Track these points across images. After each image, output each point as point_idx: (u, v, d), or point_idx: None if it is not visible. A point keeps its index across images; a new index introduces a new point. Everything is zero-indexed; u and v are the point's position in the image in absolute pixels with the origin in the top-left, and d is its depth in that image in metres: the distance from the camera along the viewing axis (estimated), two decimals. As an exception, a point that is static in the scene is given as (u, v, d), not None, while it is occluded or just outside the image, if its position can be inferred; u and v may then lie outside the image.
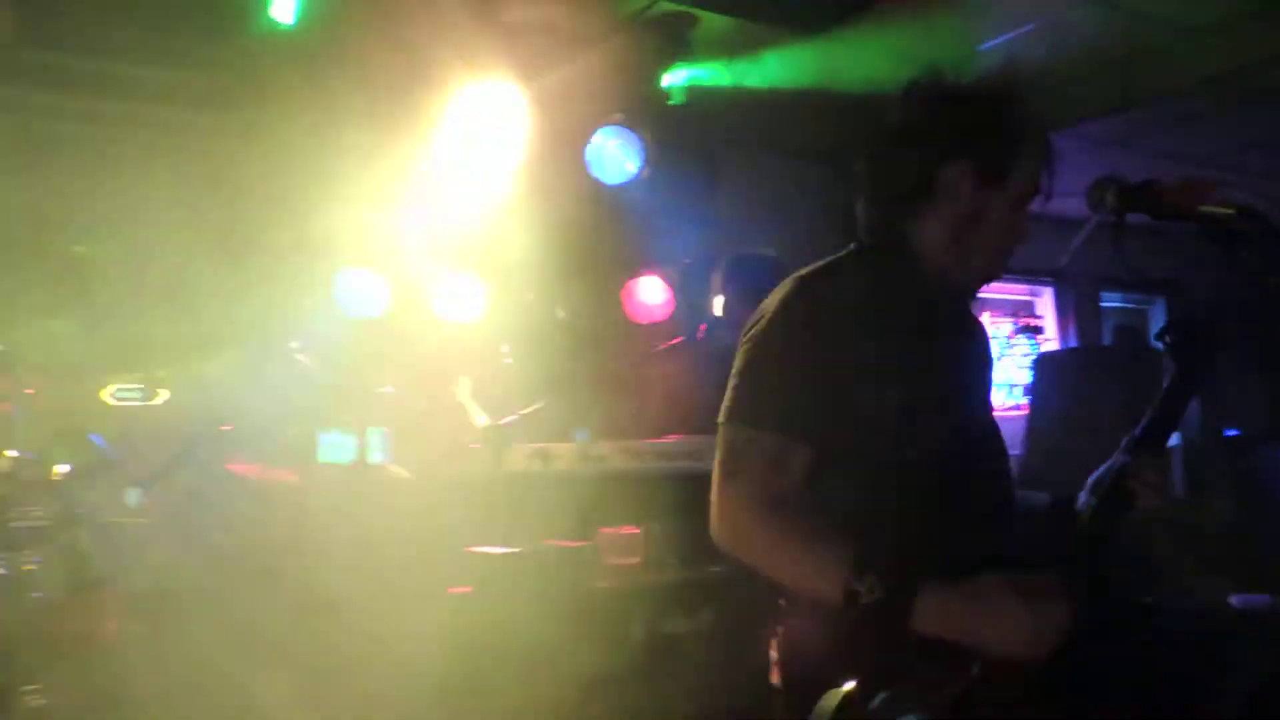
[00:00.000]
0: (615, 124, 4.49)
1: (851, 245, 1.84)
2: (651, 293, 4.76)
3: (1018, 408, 6.66)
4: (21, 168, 3.87)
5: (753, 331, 1.73)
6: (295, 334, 4.42)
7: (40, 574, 2.66)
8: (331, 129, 4.21)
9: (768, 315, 1.72)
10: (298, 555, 3.33)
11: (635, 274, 4.78)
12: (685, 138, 4.80)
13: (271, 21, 4.19)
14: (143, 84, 4.03)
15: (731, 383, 1.72)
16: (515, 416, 3.57)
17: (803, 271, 1.78)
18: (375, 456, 4.88)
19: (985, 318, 7.19)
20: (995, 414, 1.90)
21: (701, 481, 1.71)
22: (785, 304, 1.72)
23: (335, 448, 4.87)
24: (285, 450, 4.07)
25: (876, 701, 1.50)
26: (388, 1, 3.97)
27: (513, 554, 3.11)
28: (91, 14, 3.72)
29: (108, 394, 4.30)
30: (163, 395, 4.03)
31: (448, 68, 4.05)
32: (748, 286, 3.81)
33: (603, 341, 4.77)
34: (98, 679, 2.71)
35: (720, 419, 1.70)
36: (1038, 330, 7.66)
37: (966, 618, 1.53)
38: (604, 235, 4.79)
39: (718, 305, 4.16)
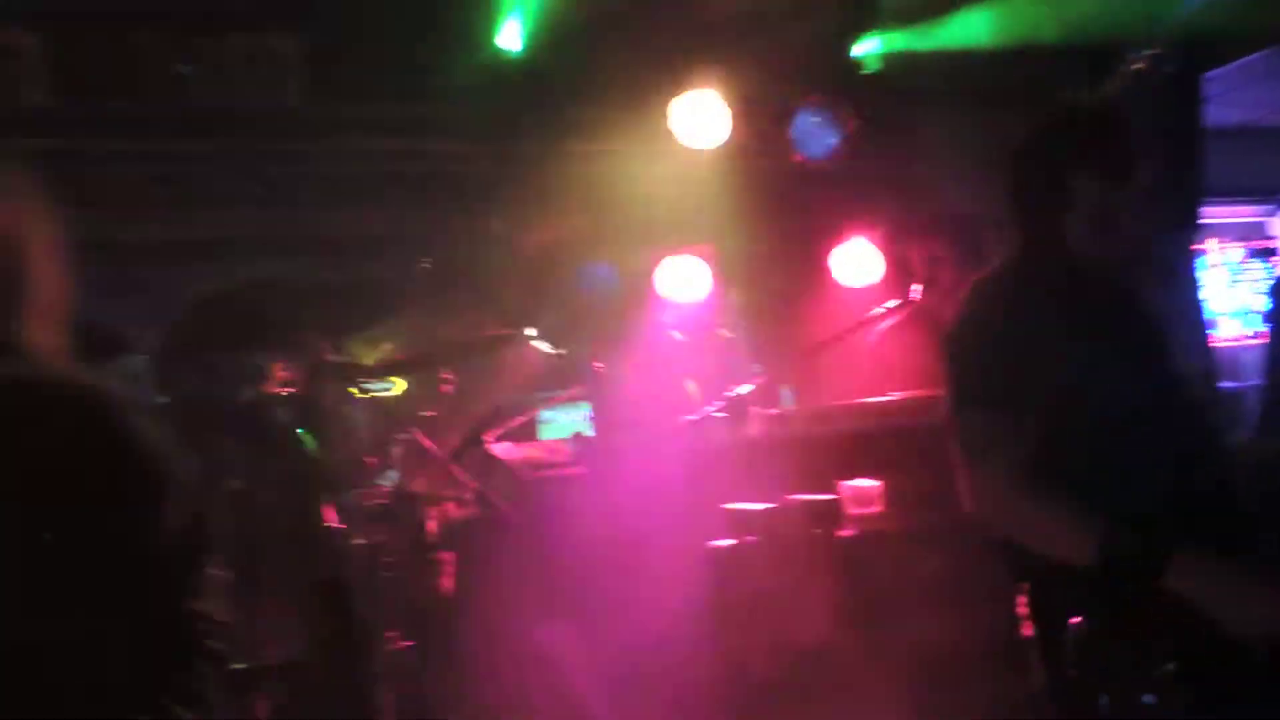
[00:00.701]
0: (814, 101, 4.78)
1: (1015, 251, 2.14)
2: (859, 259, 5.01)
3: (1256, 335, 6.47)
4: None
5: (957, 328, 2.05)
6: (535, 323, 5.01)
7: (390, 543, 3.31)
8: (564, 142, 4.74)
9: (966, 313, 2.04)
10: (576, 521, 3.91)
11: (843, 241, 5.05)
12: (882, 104, 5.02)
13: (500, 50, 4.73)
14: (405, 121, 4.67)
15: (951, 372, 2.03)
16: (752, 386, 3.96)
17: (982, 274, 2.10)
18: (588, 431, 5.48)
19: (1213, 244, 6.95)
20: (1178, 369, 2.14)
21: (920, 435, 2.02)
22: (978, 300, 2.04)
23: (555, 425, 5.50)
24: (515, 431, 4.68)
25: (1129, 648, 1.71)
26: (603, 21, 4.42)
27: (767, 509, 3.52)
28: (366, 64, 4.38)
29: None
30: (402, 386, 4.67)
31: (661, 75, 4.44)
32: (953, 247, 4.03)
33: (815, 309, 5.09)
34: (437, 629, 3.39)
35: (951, 407, 2.00)
36: (1271, 253, 7.31)
37: (1218, 580, 1.73)
38: (811, 206, 5.09)
39: (924, 267, 4.39)
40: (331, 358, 3.40)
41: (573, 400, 5.16)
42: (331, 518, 3.34)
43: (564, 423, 5.23)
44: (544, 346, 5.52)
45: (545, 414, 5.14)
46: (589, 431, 5.39)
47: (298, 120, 4.44)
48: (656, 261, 5.03)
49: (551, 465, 4.87)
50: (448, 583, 3.38)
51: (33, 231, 1.30)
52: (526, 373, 5.41)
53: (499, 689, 4.03)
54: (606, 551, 4.12)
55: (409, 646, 3.33)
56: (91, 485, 1.23)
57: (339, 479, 3.27)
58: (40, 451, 1.21)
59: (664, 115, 4.58)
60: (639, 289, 5.05)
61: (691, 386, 4.92)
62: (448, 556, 3.38)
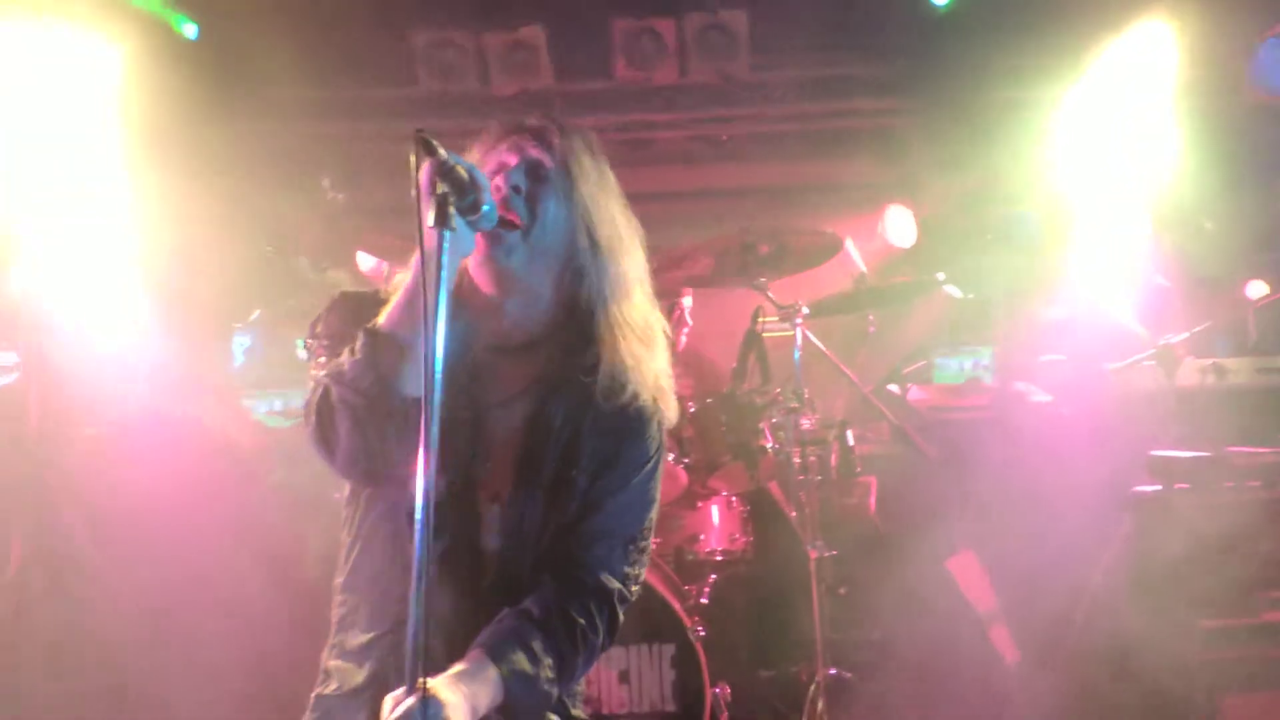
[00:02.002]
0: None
1: None
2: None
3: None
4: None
5: None
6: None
7: (819, 462, 3.77)
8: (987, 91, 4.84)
9: None
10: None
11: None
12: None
13: (928, 6, 4.90)
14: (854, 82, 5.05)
15: None
16: (1187, 334, 3.87)
17: None
18: (985, 376, 5.53)
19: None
20: None
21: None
22: None
23: (947, 371, 5.62)
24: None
25: None
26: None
27: (1198, 458, 3.48)
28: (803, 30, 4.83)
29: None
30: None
31: (1099, 14, 4.37)
32: None
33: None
34: (864, 537, 3.84)
35: None
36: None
37: None
38: (1267, 146, 4.73)
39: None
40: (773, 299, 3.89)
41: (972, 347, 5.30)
42: (768, 437, 3.88)
43: (955, 369, 5.39)
44: (954, 291, 5.70)
45: (940, 360, 5.33)
46: (987, 378, 5.50)
47: (748, 86, 4.98)
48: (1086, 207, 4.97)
49: (957, 408, 5.08)
50: (869, 504, 3.78)
51: None
52: (934, 318, 5.62)
53: (904, 606, 4.39)
54: (1022, 492, 4.29)
55: (831, 556, 3.78)
56: None
57: (776, 405, 3.77)
58: None
59: (1100, 57, 4.50)
60: (1059, 235, 5.04)
61: (1140, 330, 4.82)
62: (869, 481, 3.77)
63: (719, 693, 3.40)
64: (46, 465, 4.36)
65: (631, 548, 1.88)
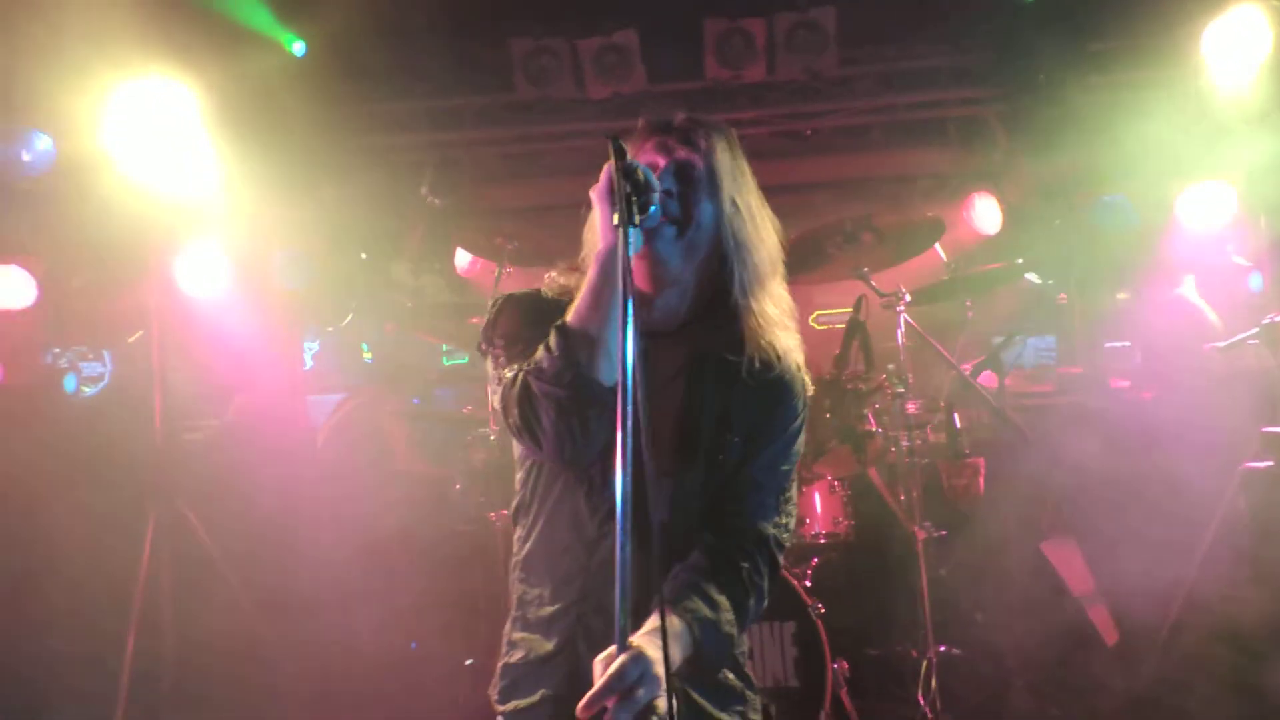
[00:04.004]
0: None
1: None
2: None
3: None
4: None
5: None
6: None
7: (925, 445, 3.87)
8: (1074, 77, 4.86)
9: None
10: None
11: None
12: None
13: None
14: (938, 73, 5.12)
15: None
16: (1293, 314, 3.87)
17: None
18: (1045, 359, 5.54)
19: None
20: None
21: None
22: None
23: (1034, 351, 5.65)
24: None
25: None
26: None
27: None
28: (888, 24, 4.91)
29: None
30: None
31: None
32: None
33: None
34: (968, 518, 3.91)
35: None
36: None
37: None
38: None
39: None
40: (875, 287, 3.98)
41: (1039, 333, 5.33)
42: (872, 422, 3.97)
43: (1017, 356, 5.43)
44: (1033, 278, 5.73)
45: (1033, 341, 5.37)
46: (1051, 363, 5.53)
47: (833, 81, 5.07)
48: (1178, 192, 4.98)
49: (1032, 394, 5.12)
50: (978, 484, 3.85)
51: None
52: (1012, 304, 5.66)
53: (1003, 586, 4.45)
54: (1116, 474, 4.32)
55: (940, 536, 3.85)
56: None
57: (881, 390, 3.85)
58: None
59: (1194, 40, 4.50)
60: (1158, 219, 5.04)
61: (1212, 316, 4.84)
62: (978, 461, 3.85)
63: (838, 669, 3.50)
64: (171, 465, 4.54)
65: (783, 498, 2.02)
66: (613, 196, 1.70)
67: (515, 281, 4.36)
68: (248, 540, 4.62)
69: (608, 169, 1.74)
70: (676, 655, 1.75)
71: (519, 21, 4.87)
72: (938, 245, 4.56)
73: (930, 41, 5.14)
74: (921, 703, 3.72)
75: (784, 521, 2.01)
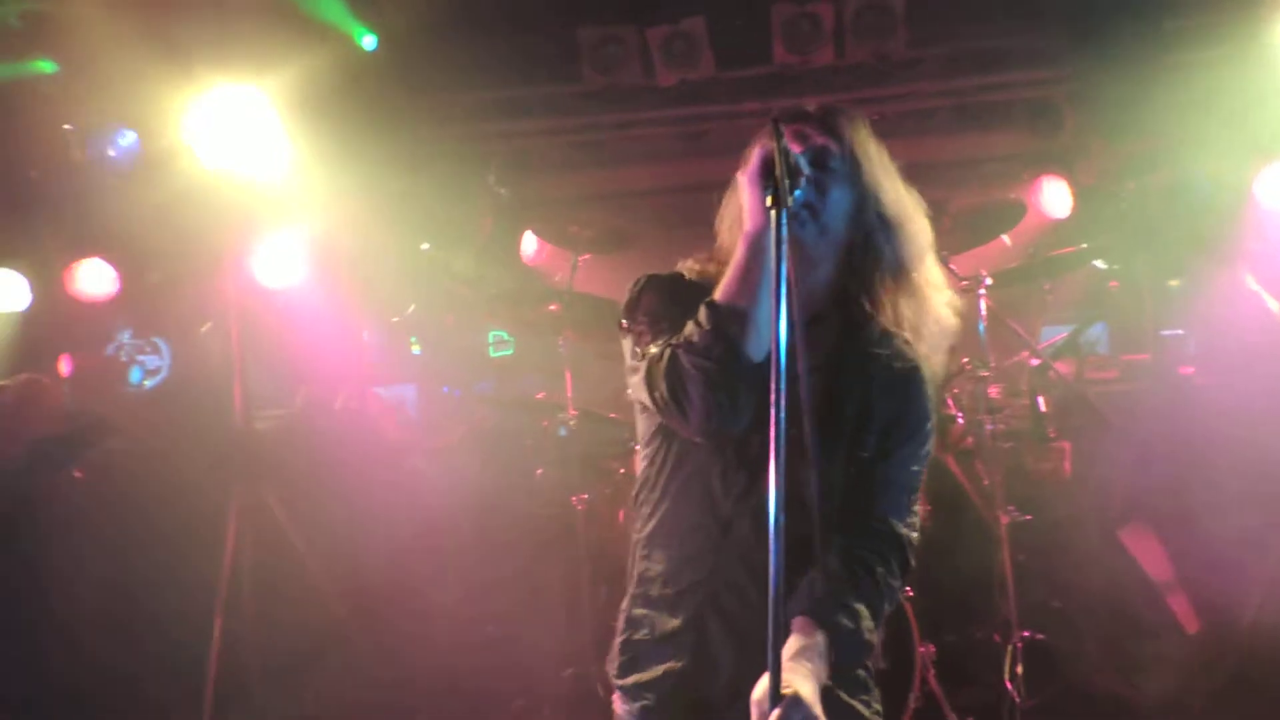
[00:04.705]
0: None
1: None
2: None
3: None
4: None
5: None
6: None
7: (1008, 429, 3.84)
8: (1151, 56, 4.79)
9: None
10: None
11: None
12: None
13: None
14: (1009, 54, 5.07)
15: None
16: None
17: None
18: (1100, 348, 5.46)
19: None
20: None
21: None
22: None
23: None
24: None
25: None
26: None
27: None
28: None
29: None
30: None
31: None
32: None
33: None
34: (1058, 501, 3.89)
35: None
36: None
37: None
38: None
39: None
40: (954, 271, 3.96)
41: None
42: (952, 406, 3.95)
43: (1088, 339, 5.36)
44: (1098, 264, 5.65)
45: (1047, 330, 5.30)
46: (1103, 350, 5.45)
47: (902, 64, 5.04)
48: (1255, 172, 4.89)
49: (1092, 381, 5.05)
50: (1064, 468, 3.82)
51: None
52: (1072, 290, 5.59)
53: (1081, 573, 4.41)
54: (1192, 462, 4.27)
55: (1026, 520, 3.83)
56: None
57: (963, 374, 3.84)
58: None
59: (1273, 16, 4.42)
60: (1235, 199, 4.95)
61: (1274, 304, 4.75)
62: (1064, 445, 3.82)
63: (925, 652, 3.50)
64: (252, 452, 4.63)
65: (913, 497, 2.01)
66: (764, 179, 1.71)
67: (591, 269, 4.38)
68: (321, 526, 4.70)
69: (759, 153, 1.75)
70: (824, 672, 1.77)
71: (586, 10, 4.88)
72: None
73: (1000, 21, 5.07)
74: (1009, 688, 3.71)
75: (914, 521, 2.00)
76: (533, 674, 4.28)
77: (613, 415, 4.36)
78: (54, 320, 5.16)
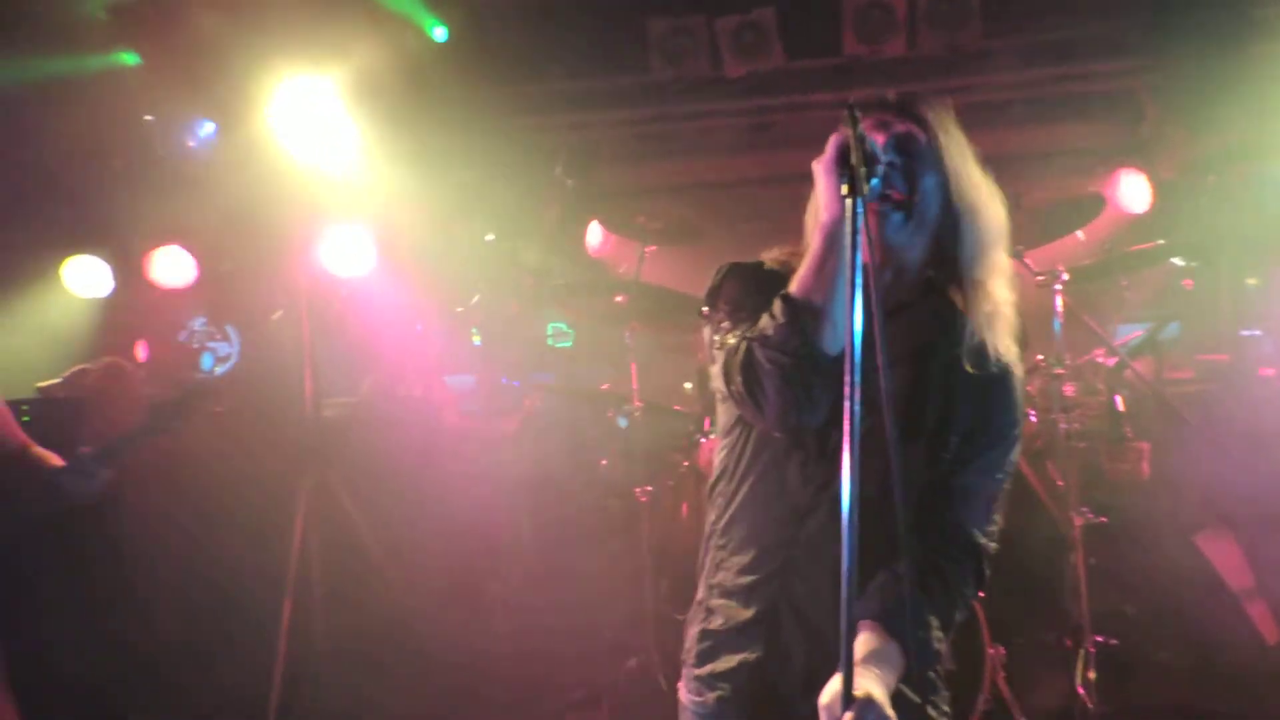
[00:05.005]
0: None
1: None
2: None
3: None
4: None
5: None
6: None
7: (1083, 429, 3.75)
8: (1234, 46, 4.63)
9: None
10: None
11: None
12: None
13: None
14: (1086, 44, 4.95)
15: None
16: None
17: None
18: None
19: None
20: None
21: None
22: None
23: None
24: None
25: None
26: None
27: None
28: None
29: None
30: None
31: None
32: None
33: None
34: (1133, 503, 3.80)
35: None
36: None
37: None
38: None
39: None
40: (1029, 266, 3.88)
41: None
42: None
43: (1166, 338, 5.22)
44: (1178, 261, 5.48)
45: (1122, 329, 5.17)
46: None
47: (975, 55, 4.95)
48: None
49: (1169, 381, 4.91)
50: (1142, 469, 3.72)
51: None
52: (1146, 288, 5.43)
53: (1155, 578, 4.30)
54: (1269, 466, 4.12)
55: (1100, 522, 3.74)
56: None
57: (1038, 371, 3.76)
58: None
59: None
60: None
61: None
62: (1143, 446, 3.72)
63: (994, 654, 3.44)
64: (321, 439, 4.70)
65: (993, 505, 1.95)
66: (839, 167, 1.67)
67: (656, 261, 4.38)
68: (385, 512, 4.76)
69: (835, 141, 1.72)
70: (893, 679, 1.75)
71: (656, 1, 4.88)
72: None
73: (1078, 10, 4.96)
74: (1081, 693, 3.63)
75: (993, 530, 1.95)
76: (593, 664, 4.29)
77: (677, 407, 4.35)
78: (133, 307, 5.30)
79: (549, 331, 6.16)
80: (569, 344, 6.01)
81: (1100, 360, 4.27)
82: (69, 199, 3.69)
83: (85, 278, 5.03)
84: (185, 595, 4.31)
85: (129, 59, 4.66)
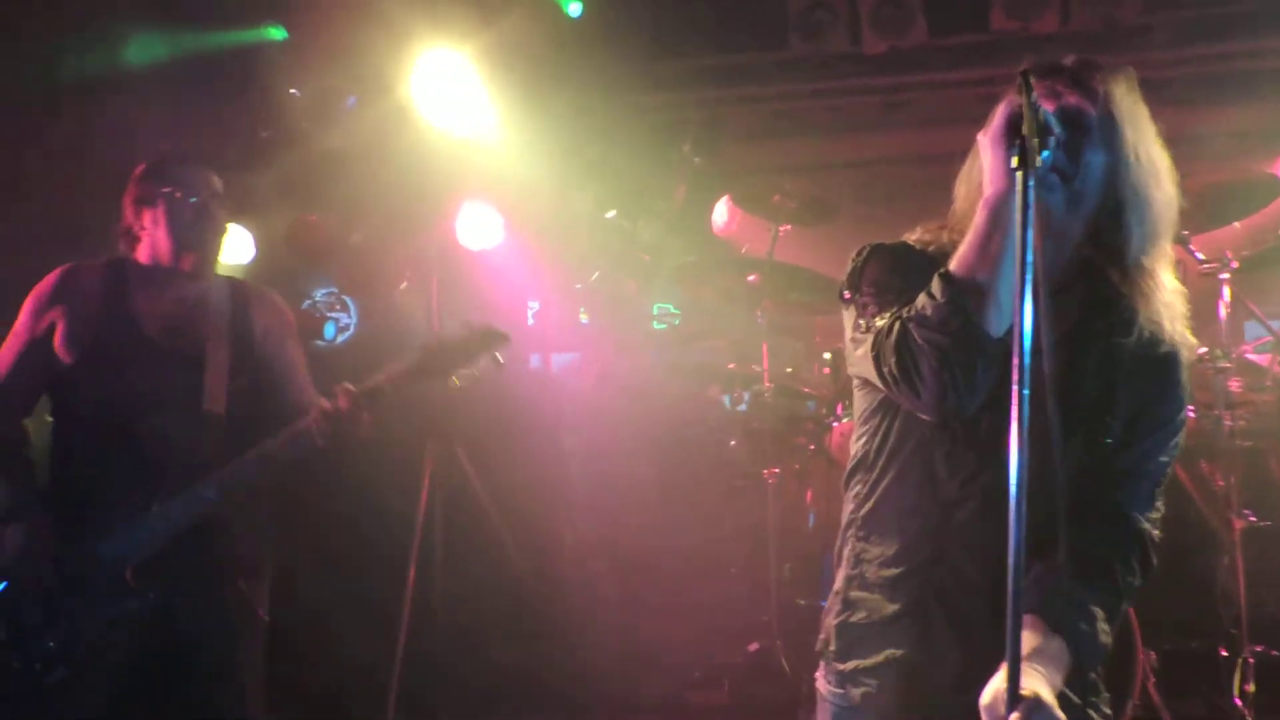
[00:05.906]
0: None
1: None
2: None
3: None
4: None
5: None
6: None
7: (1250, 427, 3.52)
8: None
9: None
10: None
11: None
12: None
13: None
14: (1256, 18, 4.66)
15: None
16: None
17: None
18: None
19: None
20: None
21: None
22: None
23: None
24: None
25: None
26: None
27: None
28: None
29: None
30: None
31: None
32: None
33: None
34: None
35: None
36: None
37: None
38: None
39: None
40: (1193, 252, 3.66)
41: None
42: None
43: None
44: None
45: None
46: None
47: (1132, 30, 4.69)
48: None
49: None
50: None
51: None
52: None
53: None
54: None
55: (1264, 526, 3.51)
56: None
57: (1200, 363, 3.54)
58: None
59: None
60: None
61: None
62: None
63: (1146, 659, 3.28)
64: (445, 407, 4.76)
65: (1157, 490, 1.86)
66: (1009, 139, 1.58)
67: (785, 241, 4.28)
68: (506, 486, 4.80)
69: (1004, 111, 1.63)
70: (1059, 678, 1.65)
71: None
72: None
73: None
74: (1239, 704, 3.43)
75: (1156, 517, 1.84)
76: (714, 645, 4.26)
77: (806, 390, 4.26)
78: (271, 274, 5.46)
79: (654, 311, 6.14)
80: (676, 324, 5.97)
81: (1251, 357, 4.02)
82: (219, 171, 3.81)
83: (231, 245, 5.19)
84: (316, 557, 4.41)
85: (276, 34, 4.78)
